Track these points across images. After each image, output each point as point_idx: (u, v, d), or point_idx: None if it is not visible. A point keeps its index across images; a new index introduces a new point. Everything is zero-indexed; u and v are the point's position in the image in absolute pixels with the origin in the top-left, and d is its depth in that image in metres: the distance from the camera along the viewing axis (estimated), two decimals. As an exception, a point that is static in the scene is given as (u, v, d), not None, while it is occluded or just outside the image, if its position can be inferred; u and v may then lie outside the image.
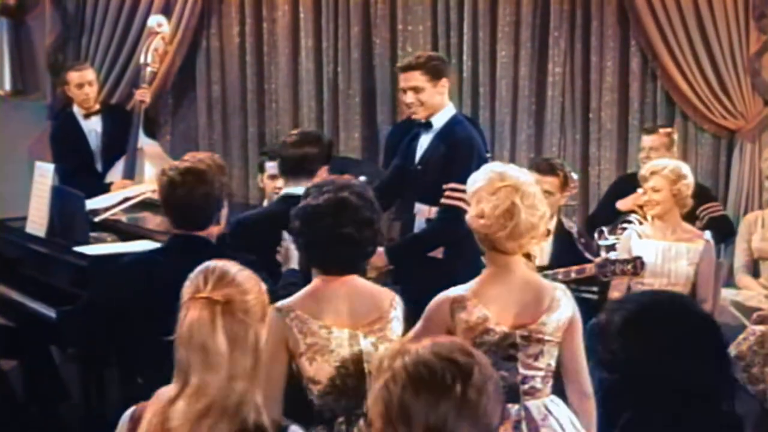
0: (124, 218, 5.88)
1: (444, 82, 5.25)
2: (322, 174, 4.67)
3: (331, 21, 7.61)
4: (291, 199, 4.16)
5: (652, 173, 5.41)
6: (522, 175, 3.64)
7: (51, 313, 5.04)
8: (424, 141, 5.31)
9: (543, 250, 5.68)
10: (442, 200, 5.06)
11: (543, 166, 5.83)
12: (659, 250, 5.44)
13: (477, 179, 3.66)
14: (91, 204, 5.76)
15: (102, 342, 4.48)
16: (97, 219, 5.66)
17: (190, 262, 2.71)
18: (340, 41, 7.62)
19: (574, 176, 6.02)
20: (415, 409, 2.15)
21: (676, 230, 5.50)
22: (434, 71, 5.22)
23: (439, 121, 5.26)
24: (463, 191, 3.81)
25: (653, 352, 2.47)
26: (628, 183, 6.30)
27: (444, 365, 2.18)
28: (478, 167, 3.93)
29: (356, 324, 3.43)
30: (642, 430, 2.50)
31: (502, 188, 3.56)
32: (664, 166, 5.44)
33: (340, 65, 7.63)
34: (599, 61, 7.22)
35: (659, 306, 2.61)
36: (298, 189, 4.16)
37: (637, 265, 5.08)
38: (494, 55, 7.37)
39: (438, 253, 5.12)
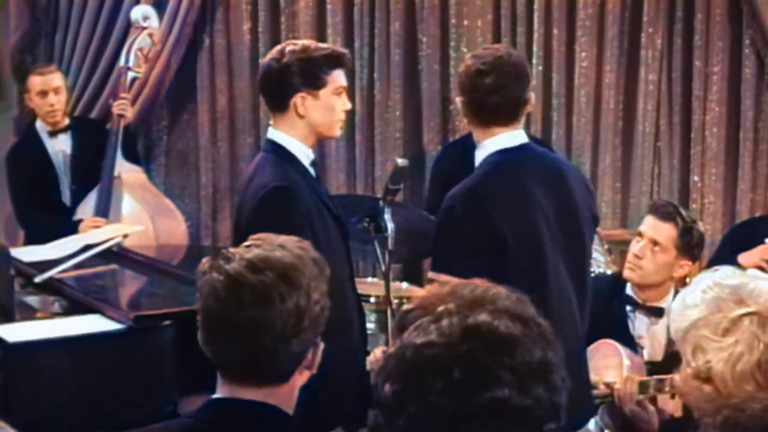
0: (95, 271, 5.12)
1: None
2: None
3: (365, 15, 7.06)
4: None
5: None
6: None
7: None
8: None
9: (655, 337, 4.41)
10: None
11: (664, 210, 4.47)
12: None
13: (688, 303, 2.18)
14: (36, 254, 5.08)
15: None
16: (38, 279, 4.77)
17: None
18: (376, 40, 7.08)
19: (701, 230, 4.59)
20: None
21: None
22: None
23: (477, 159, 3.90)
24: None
25: None
26: (751, 230, 5.56)
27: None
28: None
29: None
30: None
31: (744, 319, 2.11)
32: None
33: (377, 70, 7.10)
34: (703, 65, 6.62)
35: None
36: None
37: None
38: (572, 58, 6.81)
39: None
